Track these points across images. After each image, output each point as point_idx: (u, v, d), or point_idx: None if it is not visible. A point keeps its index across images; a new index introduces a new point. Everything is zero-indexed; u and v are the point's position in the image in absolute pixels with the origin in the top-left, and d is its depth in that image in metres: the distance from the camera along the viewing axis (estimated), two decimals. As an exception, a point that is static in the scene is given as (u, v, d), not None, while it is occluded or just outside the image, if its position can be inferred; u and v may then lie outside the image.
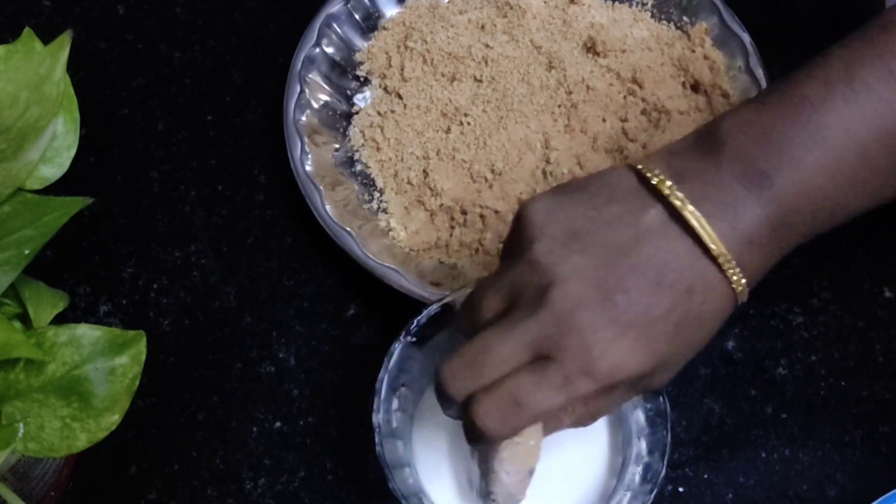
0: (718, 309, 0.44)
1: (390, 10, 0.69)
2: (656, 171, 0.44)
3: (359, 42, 0.69)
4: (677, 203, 0.42)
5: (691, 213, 0.42)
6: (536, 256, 0.43)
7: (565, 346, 0.42)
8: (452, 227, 0.61)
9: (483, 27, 0.67)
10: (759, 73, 0.64)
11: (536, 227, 0.44)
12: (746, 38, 0.65)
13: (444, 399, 0.44)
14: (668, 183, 0.43)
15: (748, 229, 0.43)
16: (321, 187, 0.61)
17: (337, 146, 0.65)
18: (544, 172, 0.62)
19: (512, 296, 0.44)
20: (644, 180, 0.44)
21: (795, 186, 0.43)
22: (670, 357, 0.44)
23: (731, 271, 0.42)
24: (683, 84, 0.65)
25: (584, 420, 0.45)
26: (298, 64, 0.65)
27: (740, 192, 0.43)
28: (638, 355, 0.42)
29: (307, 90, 0.65)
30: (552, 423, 0.44)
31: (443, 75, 0.66)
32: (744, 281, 0.43)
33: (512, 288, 0.44)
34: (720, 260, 0.42)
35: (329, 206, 0.60)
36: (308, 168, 0.62)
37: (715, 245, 0.42)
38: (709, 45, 0.66)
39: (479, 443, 0.44)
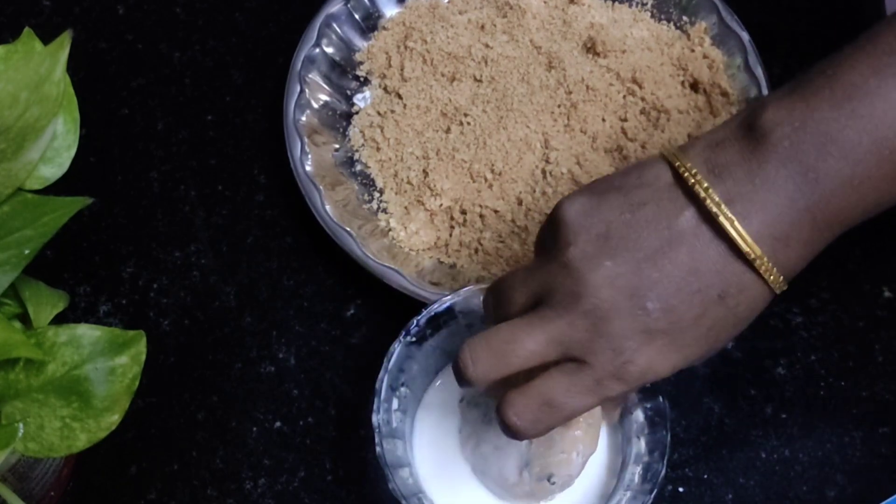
0: (753, 307, 0.44)
1: (390, 10, 0.69)
2: (693, 169, 0.43)
3: (359, 42, 0.69)
4: (713, 208, 0.42)
5: (725, 216, 0.42)
6: (570, 260, 0.43)
7: (596, 350, 0.42)
8: (452, 227, 0.61)
9: (483, 27, 0.67)
10: (759, 71, 0.64)
11: (571, 229, 0.44)
12: (745, 36, 0.66)
13: (462, 380, 0.45)
14: (705, 184, 0.42)
15: (788, 227, 0.42)
16: (321, 187, 0.61)
17: (337, 146, 0.65)
18: (544, 172, 0.62)
19: (543, 293, 0.44)
20: (680, 178, 0.43)
21: (844, 180, 0.41)
22: (705, 355, 0.44)
23: (767, 271, 0.42)
24: (683, 83, 0.65)
25: (612, 408, 0.49)
26: (298, 64, 0.65)
27: (783, 187, 0.42)
28: (669, 361, 0.43)
29: (307, 90, 0.65)
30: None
31: (443, 75, 0.66)
32: (781, 278, 0.43)
33: (544, 286, 0.44)
34: (755, 262, 0.42)
35: (329, 206, 0.60)
36: (308, 168, 0.62)
37: (749, 248, 0.41)
38: (708, 45, 0.67)
39: (513, 438, 0.45)
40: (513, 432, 0.44)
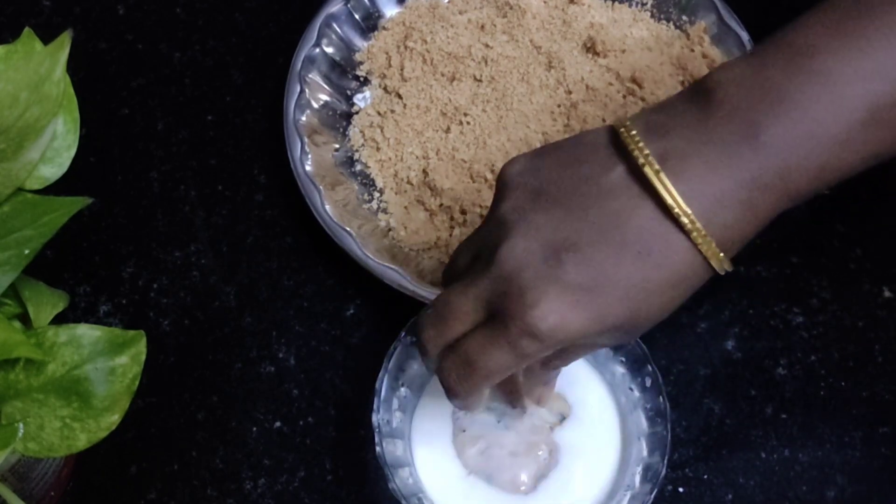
0: (684, 275, 0.41)
1: (390, 10, 0.69)
2: (631, 128, 0.41)
3: (359, 42, 0.69)
4: (640, 159, 0.40)
5: (652, 167, 0.40)
6: (502, 212, 0.43)
7: (508, 304, 0.41)
8: (452, 227, 0.61)
9: (483, 27, 0.67)
10: None
11: (508, 186, 0.43)
12: (745, 36, 0.66)
13: (420, 350, 0.45)
14: (637, 139, 0.41)
15: (725, 185, 0.40)
16: (321, 187, 0.61)
17: (337, 146, 0.65)
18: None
19: (479, 252, 0.44)
20: (617, 137, 0.42)
21: (793, 140, 0.39)
22: (628, 320, 0.41)
23: (697, 234, 0.40)
24: (682, 83, 0.65)
25: (555, 366, 0.46)
26: (298, 64, 0.65)
27: (722, 145, 0.40)
28: (582, 318, 0.41)
29: (307, 90, 0.65)
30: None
31: (442, 75, 0.66)
32: (714, 245, 0.40)
33: (479, 244, 0.44)
34: (682, 221, 0.39)
35: (329, 206, 0.60)
36: (308, 168, 0.62)
37: (675, 203, 0.39)
38: (707, 44, 0.67)
39: (451, 401, 0.45)
40: (447, 393, 0.44)
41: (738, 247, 0.42)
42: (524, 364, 0.42)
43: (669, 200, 0.40)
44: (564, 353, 0.45)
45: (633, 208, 0.40)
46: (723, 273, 0.42)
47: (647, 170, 0.40)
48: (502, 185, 0.44)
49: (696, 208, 0.40)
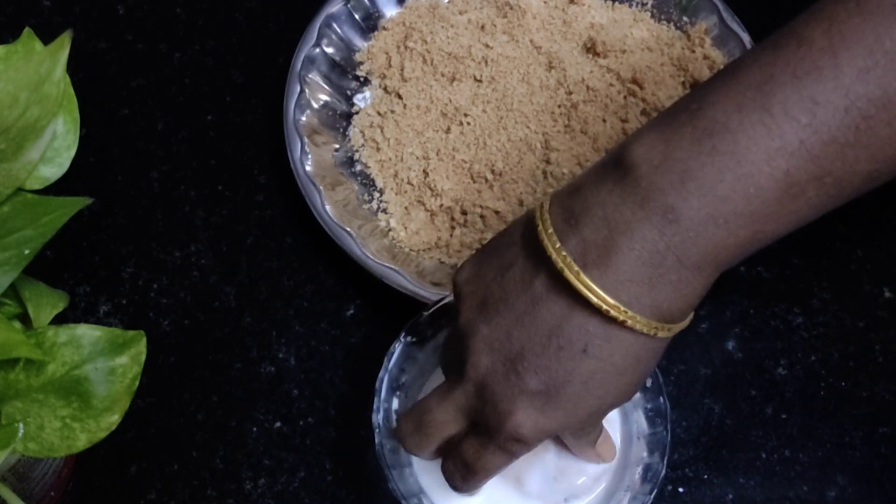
0: (637, 354, 0.42)
1: (390, 11, 0.69)
2: (548, 224, 0.42)
3: (359, 42, 0.69)
4: (559, 263, 0.41)
5: (571, 269, 0.40)
6: (459, 326, 0.45)
7: (487, 416, 0.43)
8: (453, 228, 0.61)
9: (483, 27, 0.67)
10: None
11: (459, 297, 0.45)
12: (746, 37, 0.65)
13: (405, 450, 0.48)
14: (554, 239, 0.41)
15: (648, 270, 0.40)
16: (321, 187, 0.61)
17: (337, 146, 0.65)
18: (544, 173, 0.62)
19: (451, 360, 0.46)
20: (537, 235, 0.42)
21: (706, 219, 0.39)
22: (602, 405, 0.43)
23: (632, 322, 0.40)
24: (683, 84, 0.65)
25: (588, 434, 0.49)
26: (298, 64, 0.65)
27: (640, 229, 0.40)
28: (555, 418, 0.43)
29: (307, 90, 0.65)
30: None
31: (443, 75, 0.66)
32: (655, 322, 0.41)
33: (449, 355, 0.46)
34: (611, 313, 0.40)
35: (329, 206, 0.60)
36: (308, 168, 0.62)
37: (599, 300, 0.40)
38: (708, 45, 0.67)
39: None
40: (453, 489, 0.48)
41: (686, 313, 0.42)
42: (515, 460, 0.45)
43: (595, 300, 0.40)
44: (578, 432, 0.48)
45: (564, 311, 0.41)
46: (677, 333, 0.43)
47: (568, 274, 0.41)
48: (455, 294, 0.46)
49: (626, 298, 0.40)
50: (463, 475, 0.46)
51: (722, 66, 0.65)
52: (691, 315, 0.43)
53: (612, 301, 0.40)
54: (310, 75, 0.65)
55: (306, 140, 0.63)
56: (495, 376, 0.43)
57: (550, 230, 0.42)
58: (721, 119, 0.39)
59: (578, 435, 0.49)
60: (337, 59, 0.67)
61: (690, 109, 0.40)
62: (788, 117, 0.38)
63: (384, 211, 0.63)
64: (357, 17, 0.68)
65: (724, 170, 0.39)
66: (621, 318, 0.40)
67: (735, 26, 0.66)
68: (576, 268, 0.40)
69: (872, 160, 0.39)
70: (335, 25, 0.67)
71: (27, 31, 0.44)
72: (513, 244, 0.44)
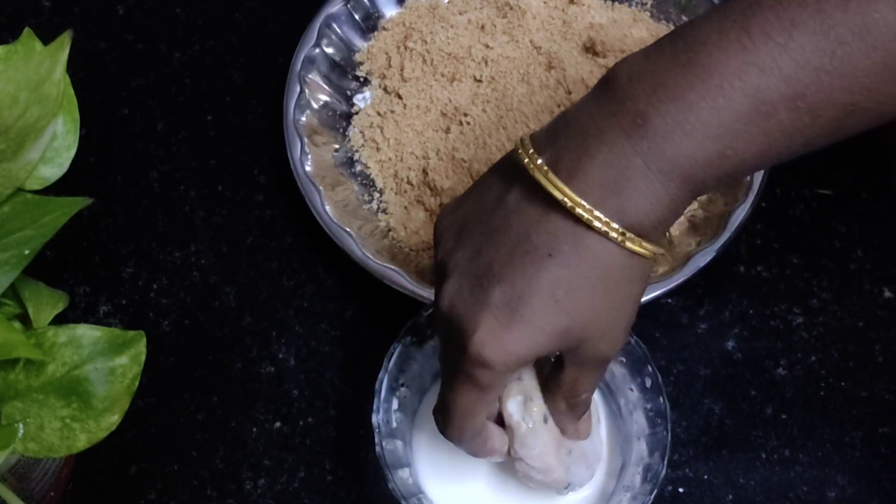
0: (606, 266, 0.41)
1: (390, 11, 0.69)
2: (526, 141, 0.42)
3: (359, 42, 0.69)
4: (530, 166, 0.41)
5: (540, 169, 0.41)
6: (439, 258, 0.44)
7: (454, 341, 0.42)
8: (452, 228, 0.61)
9: (483, 27, 0.67)
10: None
11: (438, 233, 0.45)
12: None
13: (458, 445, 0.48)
14: (531, 149, 0.42)
15: (616, 173, 0.40)
16: (321, 187, 0.61)
17: (337, 146, 0.65)
18: (544, 173, 0.62)
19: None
20: (516, 154, 0.43)
21: (674, 125, 0.39)
22: (572, 325, 0.42)
23: (599, 223, 0.40)
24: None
25: (574, 401, 0.47)
26: (298, 64, 0.65)
27: (610, 135, 0.40)
28: (520, 334, 0.41)
29: (307, 90, 0.65)
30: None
31: (442, 75, 0.66)
32: (622, 230, 0.40)
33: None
34: (576, 212, 0.40)
35: (329, 207, 0.60)
36: (308, 168, 0.62)
37: (569, 199, 0.40)
38: None
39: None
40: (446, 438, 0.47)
41: (659, 232, 0.42)
42: (491, 396, 0.44)
43: (560, 196, 0.40)
44: (570, 382, 0.46)
45: (534, 218, 0.41)
46: (653, 258, 0.42)
47: (538, 176, 0.41)
48: (435, 233, 0.46)
49: (592, 199, 0.40)
50: (442, 417, 0.45)
51: None
52: (664, 243, 0.42)
53: (579, 200, 0.40)
54: (310, 75, 0.65)
55: (306, 140, 0.63)
56: (461, 297, 0.42)
57: (530, 148, 0.42)
58: (700, 37, 0.40)
59: (572, 394, 0.46)
60: (337, 59, 0.67)
61: (675, 33, 0.42)
62: (765, 37, 0.39)
63: (384, 211, 0.63)
64: (357, 17, 0.68)
65: (695, 80, 0.39)
66: (586, 216, 0.40)
67: None
68: (546, 169, 0.41)
69: (848, 90, 0.39)
70: (335, 25, 0.67)
71: (27, 31, 0.44)
72: (492, 173, 0.45)
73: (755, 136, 0.40)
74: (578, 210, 0.40)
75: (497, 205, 0.43)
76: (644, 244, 0.41)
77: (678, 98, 0.39)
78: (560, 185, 0.40)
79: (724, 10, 0.40)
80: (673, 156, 0.40)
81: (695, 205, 0.61)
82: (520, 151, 0.42)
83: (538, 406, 0.47)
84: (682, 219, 0.61)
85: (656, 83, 0.40)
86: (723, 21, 0.40)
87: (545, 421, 0.47)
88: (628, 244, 0.40)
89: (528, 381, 0.47)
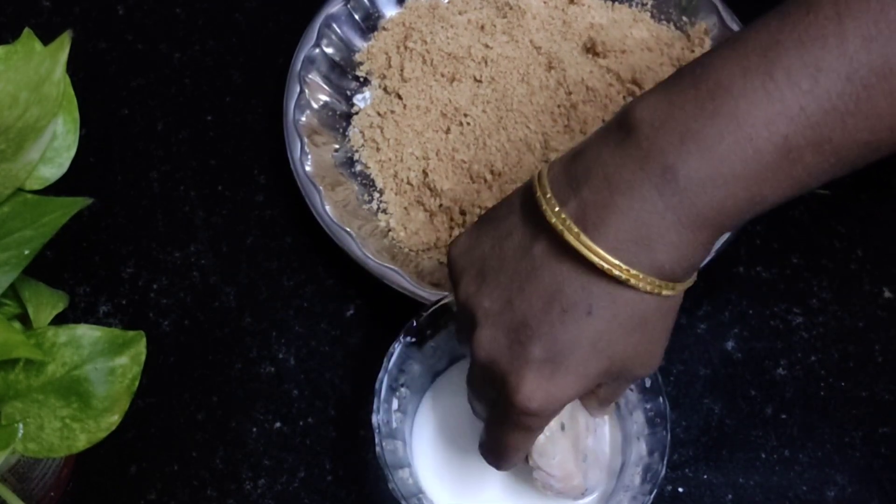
0: (643, 314, 0.42)
1: (390, 11, 0.69)
2: (546, 189, 0.42)
3: (358, 42, 0.69)
4: (558, 226, 0.41)
5: (570, 231, 0.40)
6: (460, 301, 0.45)
7: (500, 390, 0.43)
8: (452, 228, 0.61)
9: (483, 27, 0.67)
10: None
11: (455, 270, 0.45)
12: None
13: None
14: (553, 202, 0.41)
15: (647, 230, 0.40)
16: (321, 187, 0.61)
17: (337, 146, 0.65)
18: (544, 173, 0.62)
19: (460, 329, 0.47)
20: (536, 201, 0.42)
21: (705, 179, 0.39)
22: (613, 366, 0.43)
23: (634, 280, 0.40)
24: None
25: (608, 400, 0.49)
26: (298, 64, 0.65)
27: (640, 189, 0.40)
28: (565, 385, 0.42)
29: (307, 90, 0.65)
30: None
31: (442, 76, 0.66)
32: (658, 281, 0.41)
33: (459, 321, 0.46)
34: (613, 272, 0.40)
35: (329, 207, 0.60)
36: (308, 168, 0.62)
37: (600, 259, 0.40)
38: (708, 45, 0.66)
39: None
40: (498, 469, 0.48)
41: (690, 272, 0.42)
42: (538, 433, 0.45)
43: (597, 261, 0.40)
44: (606, 394, 0.47)
45: (565, 274, 0.41)
46: (686, 289, 0.42)
47: (568, 237, 0.41)
48: (450, 267, 0.46)
49: (626, 257, 0.40)
50: (494, 456, 0.47)
51: None
52: (695, 275, 0.43)
53: (613, 261, 0.40)
54: (310, 75, 0.65)
55: (306, 140, 0.63)
56: (499, 350, 0.42)
57: (549, 194, 0.42)
58: (724, 82, 0.39)
59: (606, 397, 0.48)
60: (337, 59, 0.67)
61: (695, 73, 0.40)
62: (791, 83, 0.39)
63: (384, 211, 0.63)
64: (357, 17, 0.68)
65: (724, 131, 0.39)
66: (624, 276, 0.40)
67: (735, 26, 0.66)
68: (576, 229, 0.40)
69: (871, 130, 0.39)
70: (335, 26, 0.67)
71: (27, 31, 0.44)
72: (511, 213, 0.44)
73: (782, 180, 0.40)
74: (616, 272, 0.40)
75: (522, 255, 0.42)
76: (677, 286, 0.42)
77: (707, 150, 0.39)
78: (593, 246, 0.40)
79: (743, 48, 0.40)
80: (704, 208, 0.40)
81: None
82: (538, 196, 0.42)
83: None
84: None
85: (683, 133, 0.39)
86: (745, 63, 0.39)
87: (562, 429, 0.48)
88: (665, 292, 0.41)
89: None
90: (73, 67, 0.43)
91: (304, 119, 0.64)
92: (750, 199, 0.40)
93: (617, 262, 0.40)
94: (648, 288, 0.41)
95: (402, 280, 0.58)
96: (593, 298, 0.41)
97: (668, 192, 0.39)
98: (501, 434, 0.45)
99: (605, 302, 0.41)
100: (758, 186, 0.39)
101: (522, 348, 0.42)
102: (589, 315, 0.41)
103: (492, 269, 0.43)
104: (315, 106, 0.65)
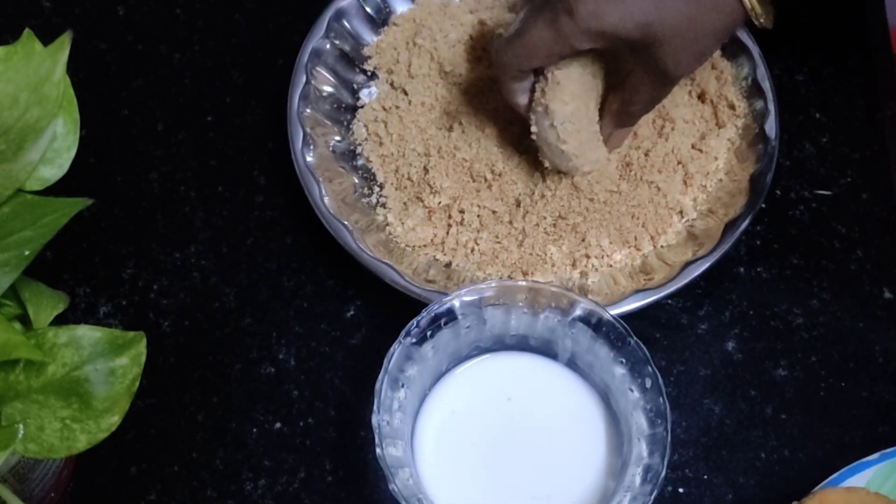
0: (714, 3, 0.47)
1: (401, 7, 0.69)
2: None
3: (368, 36, 0.68)
4: None
5: None
6: None
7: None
8: (449, 226, 0.61)
9: (491, 27, 0.67)
10: (766, 85, 0.63)
11: None
12: (756, 50, 0.65)
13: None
14: None
15: None
16: (321, 179, 0.61)
17: (339, 139, 0.65)
18: (544, 175, 0.62)
19: None
20: None
21: None
22: (661, 29, 0.46)
23: None
24: (690, 93, 0.65)
25: (632, 112, 0.56)
26: (305, 55, 0.65)
27: None
28: (615, 9, 0.47)
29: (313, 81, 0.64)
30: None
31: (449, 73, 0.66)
32: None
33: None
34: None
35: (327, 199, 0.60)
36: (309, 159, 0.61)
37: None
38: (717, 56, 0.66)
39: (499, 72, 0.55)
40: (495, 67, 0.54)
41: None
42: (560, 48, 0.50)
43: None
44: (632, 85, 0.52)
45: None
46: (757, 24, 0.48)
47: None
48: None
49: None
50: (508, 42, 0.52)
51: (730, 77, 0.65)
52: (769, 9, 0.49)
53: None
54: (316, 67, 0.65)
55: (309, 131, 0.62)
56: None
57: None
58: None
59: (634, 106, 0.53)
60: (345, 51, 0.67)
61: None
62: None
63: (383, 205, 0.63)
64: (368, 10, 0.68)
65: None
66: None
67: (745, 38, 0.64)
68: None
69: None
70: (345, 20, 0.67)
71: (27, 31, 0.44)
72: None
73: None
74: None
75: None
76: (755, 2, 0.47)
77: None
78: None
79: None
80: None
81: (694, 214, 0.62)
82: None
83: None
84: (680, 227, 0.61)
85: None
86: None
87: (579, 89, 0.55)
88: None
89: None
90: (73, 68, 0.43)
91: (308, 110, 0.63)
92: None
93: None
94: None
95: (396, 276, 0.58)
96: None
97: None
98: (533, 24, 0.49)
99: None
100: None
101: None
102: None
103: None
104: (320, 97, 0.65)
